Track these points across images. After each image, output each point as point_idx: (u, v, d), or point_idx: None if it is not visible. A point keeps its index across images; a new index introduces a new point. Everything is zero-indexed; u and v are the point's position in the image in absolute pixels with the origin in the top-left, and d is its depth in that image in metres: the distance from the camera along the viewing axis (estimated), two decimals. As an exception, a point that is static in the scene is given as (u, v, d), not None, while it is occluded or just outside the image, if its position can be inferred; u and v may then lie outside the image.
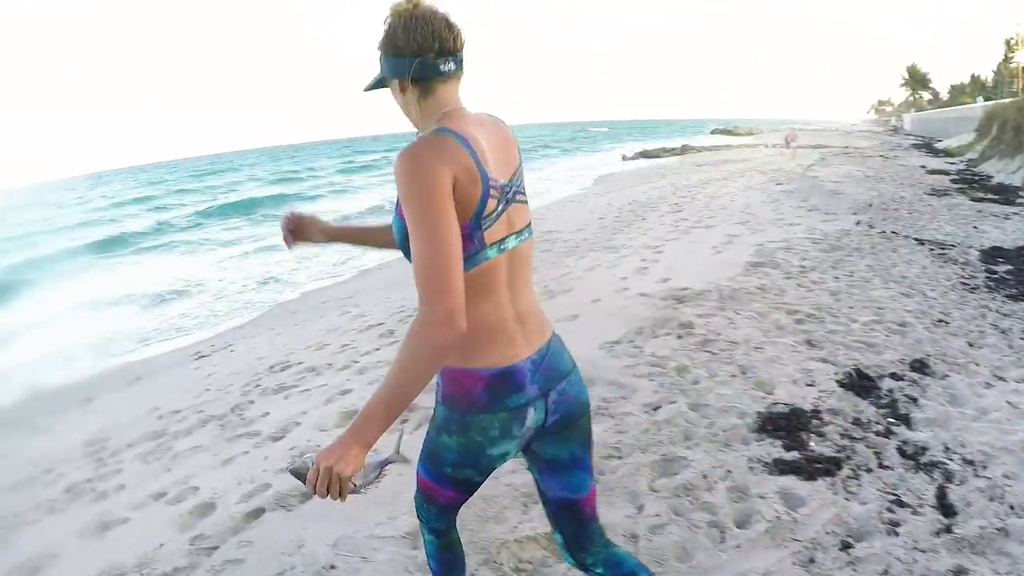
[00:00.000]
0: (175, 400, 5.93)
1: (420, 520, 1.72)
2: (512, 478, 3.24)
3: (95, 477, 4.59)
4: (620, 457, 3.37)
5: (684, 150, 38.89)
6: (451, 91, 1.41)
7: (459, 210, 1.28)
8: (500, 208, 1.37)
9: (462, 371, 1.42)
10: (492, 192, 1.34)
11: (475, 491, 1.63)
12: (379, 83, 1.47)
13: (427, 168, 1.24)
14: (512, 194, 1.41)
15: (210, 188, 45.21)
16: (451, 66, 1.38)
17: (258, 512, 3.65)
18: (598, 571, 1.63)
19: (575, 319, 5.93)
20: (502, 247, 1.39)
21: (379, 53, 1.43)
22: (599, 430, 3.08)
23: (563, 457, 1.56)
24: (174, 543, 3.48)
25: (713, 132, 73.66)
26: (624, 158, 38.55)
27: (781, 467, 3.33)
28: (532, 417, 1.46)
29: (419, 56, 1.35)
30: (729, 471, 3.30)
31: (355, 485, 1.31)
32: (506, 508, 3.05)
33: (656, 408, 3.96)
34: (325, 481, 1.25)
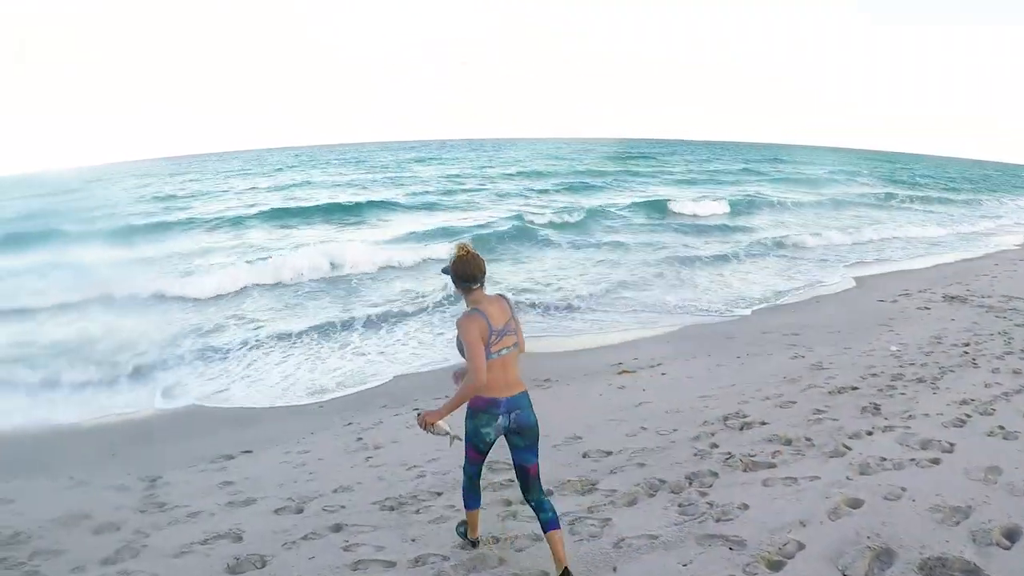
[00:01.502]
0: (604, 434, 4.72)
1: (463, 470, 3.41)
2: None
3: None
4: None
5: None
6: (479, 292, 3.20)
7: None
8: (496, 339, 3.11)
9: (478, 398, 3.14)
10: (493, 333, 3.10)
11: (484, 454, 3.30)
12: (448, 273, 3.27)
13: (468, 326, 3.05)
14: (502, 333, 3.14)
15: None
16: (478, 284, 3.20)
17: None
18: (532, 506, 3.29)
19: None
20: (499, 354, 3.13)
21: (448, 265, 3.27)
22: None
23: (520, 445, 3.23)
24: None
25: None
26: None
27: None
28: (500, 420, 3.18)
29: (462, 280, 3.18)
30: None
31: (442, 432, 3.27)
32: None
33: None
34: (420, 421, 3.23)
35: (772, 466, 3.91)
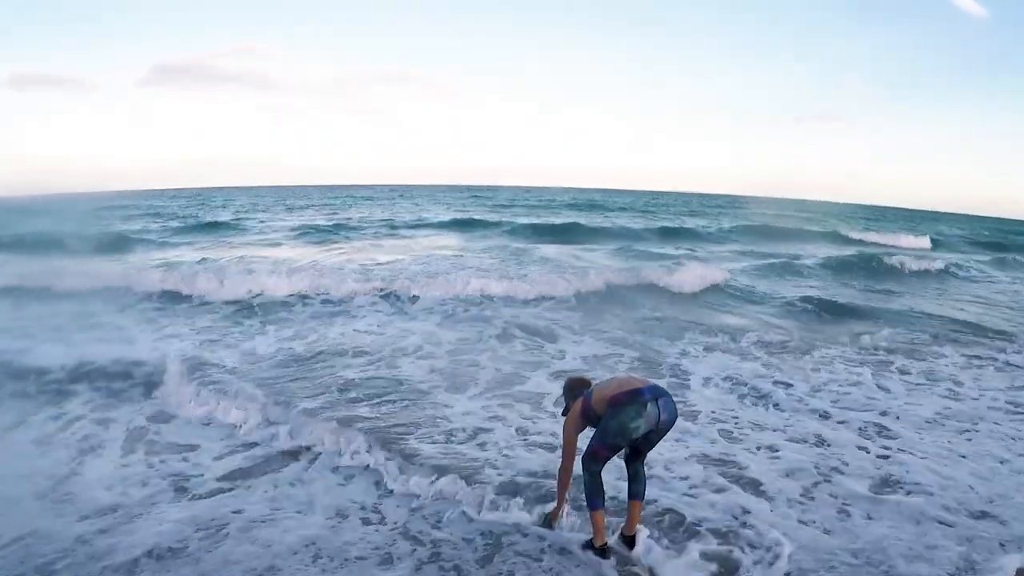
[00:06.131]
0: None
1: (583, 468, 3.53)
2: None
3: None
4: None
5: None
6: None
7: None
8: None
9: (619, 394, 3.38)
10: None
11: (618, 451, 3.51)
12: (567, 403, 3.84)
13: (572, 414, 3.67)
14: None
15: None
16: (583, 390, 3.73)
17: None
18: (629, 472, 3.64)
19: None
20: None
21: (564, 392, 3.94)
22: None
23: (654, 440, 3.50)
24: None
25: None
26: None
27: None
28: (650, 408, 3.32)
29: (569, 393, 3.82)
30: None
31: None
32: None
33: None
34: (551, 525, 3.84)
35: None
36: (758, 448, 5.48)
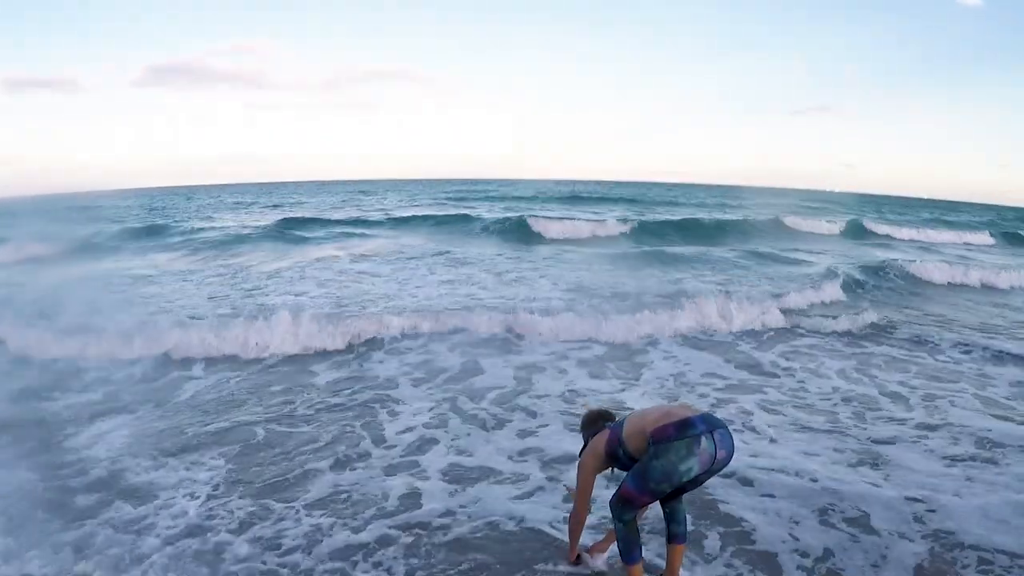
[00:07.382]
0: None
1: (614, 515, 2.92)
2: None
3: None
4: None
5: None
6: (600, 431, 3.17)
7: None
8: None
9: (664, 427, 2.71)
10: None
11: (661, 496, 2.82)
12: (586, 440, 3.20)
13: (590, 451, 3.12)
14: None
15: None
16: (606, 423, 3.16)
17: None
18: (666, 512, 3.02)
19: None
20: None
21: (582, 430, 3.27)
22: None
23: (698, 484, 2.81)
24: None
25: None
26: None
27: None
28: (704, 444, 2.64)
29: (589, 428, 3.17)
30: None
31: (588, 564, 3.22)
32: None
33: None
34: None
35: None
36: (718, 529, 3.67)
